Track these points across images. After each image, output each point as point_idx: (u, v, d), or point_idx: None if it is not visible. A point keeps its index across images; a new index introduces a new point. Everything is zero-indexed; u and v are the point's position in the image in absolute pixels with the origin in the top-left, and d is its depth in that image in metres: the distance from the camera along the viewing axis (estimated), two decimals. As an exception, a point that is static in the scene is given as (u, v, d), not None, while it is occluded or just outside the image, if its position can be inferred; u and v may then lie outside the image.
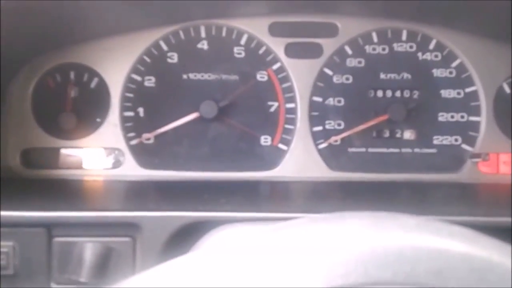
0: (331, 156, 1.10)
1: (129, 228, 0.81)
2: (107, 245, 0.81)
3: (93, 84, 1.08)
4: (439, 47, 1.10)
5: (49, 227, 0.82)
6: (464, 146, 1.11)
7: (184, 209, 0.82)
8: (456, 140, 1.11)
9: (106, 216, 0.81)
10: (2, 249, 0.80)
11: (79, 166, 1.07)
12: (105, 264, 0.81)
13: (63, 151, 1.07)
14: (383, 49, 1.11)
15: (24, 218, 0.81)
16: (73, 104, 1.07)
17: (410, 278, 0.43)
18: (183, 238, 0.81)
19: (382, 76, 1.10)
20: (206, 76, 1.09)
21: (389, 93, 1.10)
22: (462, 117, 1.11)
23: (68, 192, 0.89)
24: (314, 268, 0.43)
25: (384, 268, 0.43)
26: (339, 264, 0.43)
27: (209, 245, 0.77)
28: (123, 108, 1.08)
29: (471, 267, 0.44)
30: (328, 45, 1.10)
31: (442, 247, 0.45)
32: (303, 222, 0.50)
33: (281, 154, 1.10)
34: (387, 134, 1.11)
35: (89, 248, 0.80)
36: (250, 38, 1.09)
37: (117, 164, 1.08)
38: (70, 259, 0.81)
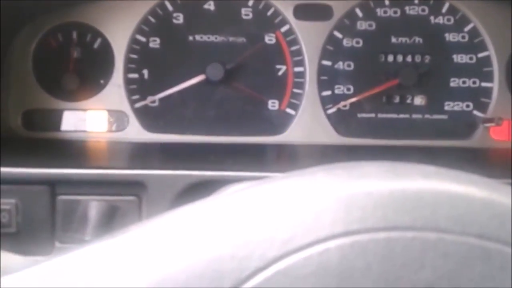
0: (340, 121, 1.08)
1: (134, 186, 0.80)
2: (112, 203, 0.80)
3: (96, 45, 1.05)
4: (452, 10, 1.07)
5: (53, 184, 0.80)
6: (476, 112, 1.08)
7: (190, 168, 0.81)
8: (467, 106, 1.08)
9: (111, 174, 0.80)
10: (4, 207, 0.79)
11: (82, 128, 1.05)
12: (110, 223, 0.79)
13: (66, 112, 1.05)
14: (395, 12, 1.07)
15: (27, 175, 0.79)
16: (76, 65, 1.05)
17: (429, 223, 0.41)
18: (189, 197, 0.80)
19: (393, 40, 1.07)
20: (212, 38, 1.06)
21: (400, 58, 1.08)
22: (474, 82, 1.08)
23: (72, 151, 0.87)
24: (331, 212, 0.41)
25: (403, 212, 0.42)
26: (356, 208, 0.42)
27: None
28: (127, 70, 1.06)
29: (492, 213, 0.42)
30: (338, 7, 1.06)
31: (463, 192, 0.43)
32: (319, 170, 0.48)
33: (289, 118, 1.07)
34: (397, 99, 1.08)
35: (94, 207, 0.79)
36: (258, -1, 1.06)
37: (120, 127, 1.06)
38: (74, 217, 0.80)
